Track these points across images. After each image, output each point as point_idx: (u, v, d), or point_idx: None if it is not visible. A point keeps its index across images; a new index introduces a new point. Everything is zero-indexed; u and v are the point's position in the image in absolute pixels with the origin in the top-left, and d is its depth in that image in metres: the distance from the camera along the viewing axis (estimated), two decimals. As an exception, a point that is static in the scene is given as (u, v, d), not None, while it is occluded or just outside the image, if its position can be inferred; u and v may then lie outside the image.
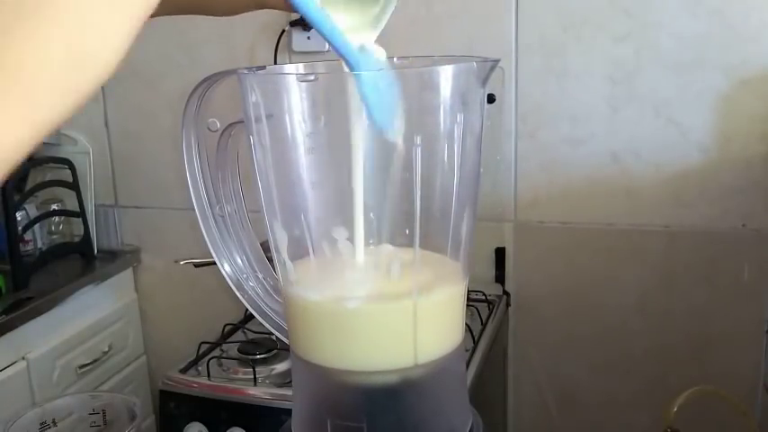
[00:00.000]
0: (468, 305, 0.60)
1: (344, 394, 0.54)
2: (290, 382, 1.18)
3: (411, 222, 0.50)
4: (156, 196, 1.77)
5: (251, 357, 1.29)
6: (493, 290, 1.54)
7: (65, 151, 1.76)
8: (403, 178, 0.50)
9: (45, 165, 1.72)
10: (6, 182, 1.55)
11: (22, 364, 1.49)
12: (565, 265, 1.51)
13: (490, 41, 1.45)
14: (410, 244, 0.51)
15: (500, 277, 1.55)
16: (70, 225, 1.79)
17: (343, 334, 0.52)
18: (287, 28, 1.53)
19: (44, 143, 1.70)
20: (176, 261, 1.43)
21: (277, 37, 1.54)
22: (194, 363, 1.31)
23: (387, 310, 0.52)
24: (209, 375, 1.26)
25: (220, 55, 1.61)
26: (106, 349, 1.70)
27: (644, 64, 1.38)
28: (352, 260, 0.52)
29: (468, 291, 0.57)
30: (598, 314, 1.51)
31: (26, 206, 1.65)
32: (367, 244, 0.53)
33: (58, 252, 1.73)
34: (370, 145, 0.50)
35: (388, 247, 0.53)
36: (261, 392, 1.21)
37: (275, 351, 1.31)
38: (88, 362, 1.64)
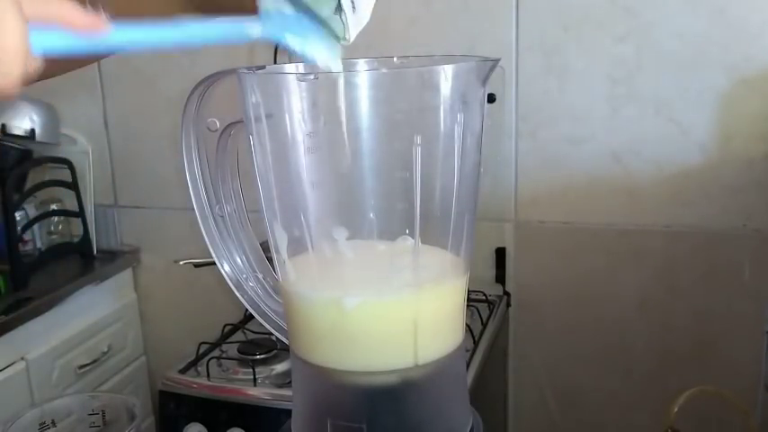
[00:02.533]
0: (468, 305, 0.60)
1: (344, 395, 0.54)
2: (290, 382, 1.18)
3: (411, 222, 0.50)
4: (156, 196, 1.77)
5: (251, 358, 1.29)
6: (493, 290, 1.53)
7: (64, 151, 1.76)
8: (403, 178, 0.50)
9: (44, 165, 1.72)
10: (6, 182, 1.55)
11: (22, 365, 1.48)
12: (565, 264, 1.51)
13: (490, 41, 1.45)
14: (410, 243, 0.51)
15: (500, 277, 1.55)
16: (69, 225, 1.79)
17: (343, 334, 0.52)
18: (287, 27, 1.53)
19: (43, 143, 1.70)
20: (176, 261, 1.43)
21: (277, 37, 1.54)
22: (194, 363, 1.31)
23: (387, 310, 0.52)
24: (208, 376, 1.26)
25: (220, 55, 1.60)
26: (105, 349, 1.70)
27: (644, 63, 1.38)
28: (351, 260, 0.52)
29: (469, 291, 0.57)
30: (598, 314, 1.51)
31: (25, 206, 1.65)
32: (367, 244, 0.53)
33: (58, 252, 1.73)
34: (371, 144, 0.50)
35: (388, 246, 0.53)
36: (261, 393, 1.21)
37: (275, 351, 1.31)
38: (88, 362, 1.64)
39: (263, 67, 0.54)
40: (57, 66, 0.37)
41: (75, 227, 1.77)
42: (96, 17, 0.36)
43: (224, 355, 1.33)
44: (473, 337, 1.32)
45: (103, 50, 0.36)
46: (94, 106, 1.78)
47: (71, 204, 1.75)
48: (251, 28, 0.41)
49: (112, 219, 1.83)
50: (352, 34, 0.47)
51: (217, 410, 1.22)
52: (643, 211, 1.44)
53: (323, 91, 0.51)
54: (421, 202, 0.50)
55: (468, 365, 1.23)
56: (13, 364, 1.47)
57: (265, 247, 0.59)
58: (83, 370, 1.62)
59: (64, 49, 0.35)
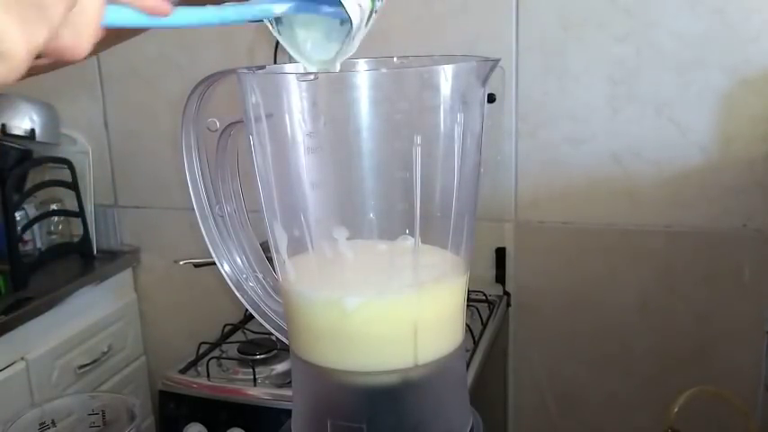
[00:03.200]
0: (468, 305, 0.60)
1: (344, 395, 0.54)
2: (290, 382, 1.18)
3: (411, 222, 0.50)
4: (156, 196, 1.77)
5: (251, 358, 1.29)
6: (493, 290, 1.53)
7: (64, 151, 1.76)
8: (403, 178, 0.50)
9: (44, 165, 1.72)
10: (6, 182, 1.55)
11: (22, 365, 1.48)
12: (565, 264, 1.51)
13: (491, 41, 1.45)
14: (410, 243, 0.51)
15: (500, 277, 1.55)
16: (69, 225, 1.79)
17: (343, 334, 0.52)
18: (287, 28, 1.53)
19: (43, 143, 1.70)
20: (176, 261, 1.43)
21: (277, 37, 1.54)
22: (194, 363, 1.31)
23: (387, 310, 0.52)
24: (208, 376, 1.26)
25: (220, 55, 1.61)
26: (105, 349, 1.70)
27: (644, 64, 1.38)
28: (351, 260, 0.52)
29: (469, 291, 0.57)
30: (598, 314, 1.51)
31: (25, 206, 1.65)
32: (367, 243, 0.53)
33: (58, 252, 1.73)
34: (371, 144, 0.50)
35: (388, 246, 0.53)
36: (261, 393, 1.21)
37: (275, 351, 1.31)
38: (87, 362, 1.64)
39: (263, 67, 0.54)
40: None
41: (76, 227, 1.77)
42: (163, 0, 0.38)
43: (224, 355, 1.33)
44: (473, 337, 1.32)
45: (157, 27, 0.39)
46: (94, 106, 1.78)
47: (71, 204, 1.75)
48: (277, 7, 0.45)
49: (112, 219, 1.83)
50: (338, 60, 0.48)
51: (217, 410, 1.22)
52: (643, 212, 1.44)
53: (323, 91, 0.51)
54: (421, 203, 0.50)
55: (468, 365, 1.23)
56: (13, 364, 1.47)
57: (265, 247, 0.59)
58: (83, 370, 1.62)
59: (126, 24, 0.37)
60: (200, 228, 0.61)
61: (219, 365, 1.30)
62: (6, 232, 1.56)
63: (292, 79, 0.51)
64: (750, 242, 1.39)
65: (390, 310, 0.52)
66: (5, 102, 1.67)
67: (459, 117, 0.51)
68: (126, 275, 1.82)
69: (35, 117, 1.68)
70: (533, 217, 1.52)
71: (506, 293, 1.55)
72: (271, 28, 0.47)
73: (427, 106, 0.51)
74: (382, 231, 0.53)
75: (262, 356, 1.30)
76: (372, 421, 0.52)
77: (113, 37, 0.44)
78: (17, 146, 1.66)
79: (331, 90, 0.52)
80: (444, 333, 0.55)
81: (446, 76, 0.50)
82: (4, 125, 1.64)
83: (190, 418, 1.23)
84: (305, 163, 0.52)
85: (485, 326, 1.40)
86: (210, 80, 0.56)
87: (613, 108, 1.42)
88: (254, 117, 0.53)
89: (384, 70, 0.58)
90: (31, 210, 1.68)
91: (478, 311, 1.43)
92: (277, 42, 1.55)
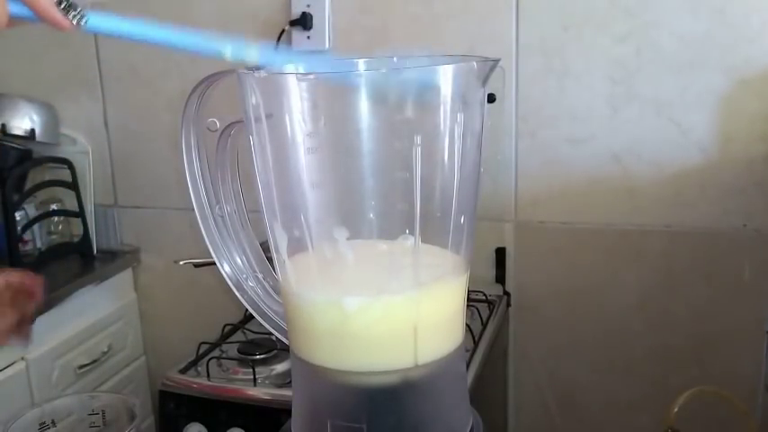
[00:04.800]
0: (468, 305, 0.60)
1: (344, 395, 0.54)
2: (290, 382, 1.18)
3: (411, 222, 0.50)
4: (156, 196, 1.77)
5: (251, 358, 1.29)
6: (493, 290, 1.53)
7: (64, 151, 1.76)
8: (403, 178, 0.50)
9: (44, 165, 1.72)
10: (6, 182, 1.55)
11: (22, 365, 1.48)
12: (565, 264, 1.51)
13: (491, 41, 1.45)
14: (410, 243, 0.51)
15: (500, 277, 1.55)
16: (69, 225, 1.79)
17: (343, 334, 0.52)
18: (286, 27, 1.53)
19: (43, 143, 1.70)
20: (176, 261, 1.43)
21: (277, 37, 1.54)
22: (194, 363, 1.31)
23: (387, 310, 0.52)
24: (208, 376, 1.26)
25: (220, 55, 1.60)
26: (105, 349, 1.70)
27: (644, 64, 1.38)
28: (352, 260, 0.52)
29: (469, 291, 0.57)
30: (599, 314, 1.51)
31: (25, 206, 1.65)
32: (367, 243, 0.53)
33: (58, 252, 1.73)
34: (371, 144, 0.50)
35: (388, 246, 0.53)
36: (260, 393, 1.21)
37: (275, 351, 1.31)
38: (87, 362, 1.64)
39: (263, 68, 0.54)
40: None
41: (76, 227, 1.77)
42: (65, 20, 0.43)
43: (224, 355, 1.33)
44: (473, 337, 1.32)
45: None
46: (94, 106, 1.78)
47: (71, 204, 1.75)
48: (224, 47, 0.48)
49: (112, 219, 1.83)
50: None
51: (217, 410, 1.22)
52: (643, 212, 1.44)
53: (323, 91, 0.51)
54: (421, 203, 0.50)
55: (468, 365, 1.23)
56: (13, 364, 1.47)
57: (265, 247, 0.59)
58: (83, 370, 1.62)
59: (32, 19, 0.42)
60: (200, 228, 0.61)
61: (219, 365, 1.30)
62: (6, 232, 1.56)
63: (292, 79, 0.51)
64: (750, 242, 1.39)
65: (390, 310, 0.52)
66: (5, 102, 1.67)
67: (459, 117, 0.51)
68: (126, 275, 1.82)
69: (35, 117, 1.68)
70: (533, 217, 1.52)
71: (506, 293, 1.55)
72: None
73: (427, 106, 0.51)
74: (382, 231, 0.53)
75: (262, 356, 1.30)
76: (372, 421, 0.52)
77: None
78: (17, 146, 1.66)
79: (331, 90, 0.52)
80: (444, 333, 0.55)
81: (446, 77, 0.50)
82: (4, 125, 1.64)
83: (190, 418, 1.23)
84: (305, 163, 0.52)
85: (485, 326, 1.40)
86: (210, 80, 0.56)
87: (613, 108, 1.42)
88: (254, 117, 0.53)
89: (384, 70, 0.58)
90: (31, 210, 1.68)
91: (478, 311, 1.43)
92: (277, 42, 1.55)
